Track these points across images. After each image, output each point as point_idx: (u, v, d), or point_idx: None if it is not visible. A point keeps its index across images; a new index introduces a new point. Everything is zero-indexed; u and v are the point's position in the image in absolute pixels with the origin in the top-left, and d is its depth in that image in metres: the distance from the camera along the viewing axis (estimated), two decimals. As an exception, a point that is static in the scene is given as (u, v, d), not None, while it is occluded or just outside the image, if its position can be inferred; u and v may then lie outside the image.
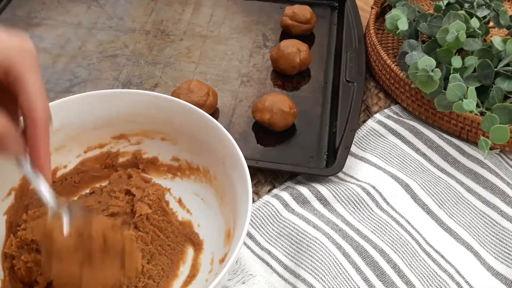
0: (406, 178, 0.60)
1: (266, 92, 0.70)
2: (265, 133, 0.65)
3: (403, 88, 0.67)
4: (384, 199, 0.59)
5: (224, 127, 0.51)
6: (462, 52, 0.67)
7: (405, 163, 0.62)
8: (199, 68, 0.74)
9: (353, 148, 0.64)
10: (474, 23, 0.64)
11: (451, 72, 0.61)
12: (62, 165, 0.56)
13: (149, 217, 0.52)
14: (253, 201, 0.59)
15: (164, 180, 0.58)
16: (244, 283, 0.52)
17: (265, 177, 0.61)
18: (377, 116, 0.67)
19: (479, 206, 0.59)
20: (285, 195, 0.58)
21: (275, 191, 0.60)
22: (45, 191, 0.41)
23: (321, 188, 0.58)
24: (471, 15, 0.65)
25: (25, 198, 0.52)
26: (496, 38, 0.62)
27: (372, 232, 0.56)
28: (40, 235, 0.43)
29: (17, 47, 0.38)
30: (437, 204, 0.59)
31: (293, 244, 0.54)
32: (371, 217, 0.57)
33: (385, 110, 0.68)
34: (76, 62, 0.74)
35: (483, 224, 0.57)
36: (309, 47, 0.73)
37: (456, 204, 0.59)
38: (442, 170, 0.62)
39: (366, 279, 0.52)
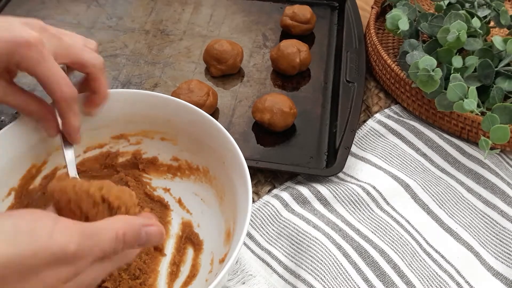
0: (407, 178, 0.60)
1: (266, 92, 0.70)
2: (265, 133, 0.65)
3: (404, 88, 0.67)
4: (384, 199, 0.59)
5: (224, 127, 0.51)
6: (462, 52, 0.67)
7: (405, 163, 0.62)
8: (199, 68, 0.74)
9: (353, 148, 0.64)
10: (475, 23, 0.64)
11: (452, 72, 0.61)
12: (62, 165, 0.55)
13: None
14: (253, 201, 0.58)
15: (164, 180, 0.58)
16: (244, 283, 0.52)
17: (265, 177, 0.61)
18: (378, 116, 0.67)
19: (479, 206, 0.59)
20: (285, 195, 0.58)
21: (275, 191, 0.60)
22: (70, 162, 0.48)
23: (321, 188, 0.58)
24: (472, 15, 0.65)
25: (24, 198, 0.52)
26: (497, 38, 0.62)
27: (372, 232, 0.56)
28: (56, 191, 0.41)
29: (20, 44, 0.42)
30: (437, 204, 0.59)
31: (293, 244, 0.54)
32: (371, 217, 0.57)
33: (386, 110, 0.68)
34: (76, 62, 0.74)
35: (484, 224, 0.57)
36: (309, 47, 0.73)
37: (456, 204, 0.59)
38: (442, 170, 0.62)
39: (366, 279, 0.52)
